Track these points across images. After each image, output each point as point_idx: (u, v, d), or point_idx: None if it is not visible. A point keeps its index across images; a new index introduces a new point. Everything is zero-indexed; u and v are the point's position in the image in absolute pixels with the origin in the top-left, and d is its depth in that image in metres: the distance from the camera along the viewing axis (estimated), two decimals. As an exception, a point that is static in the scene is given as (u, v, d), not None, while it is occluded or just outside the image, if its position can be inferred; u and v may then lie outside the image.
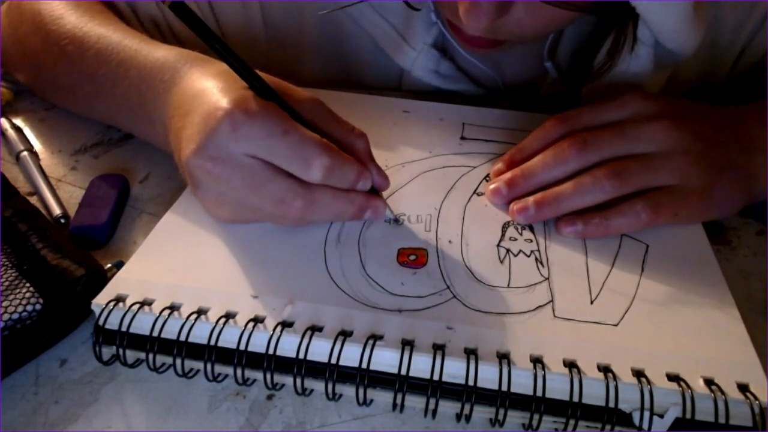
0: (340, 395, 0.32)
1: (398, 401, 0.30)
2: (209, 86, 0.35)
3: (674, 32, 0.43)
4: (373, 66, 0.58)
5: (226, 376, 0.33)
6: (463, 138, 0.48)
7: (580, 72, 0.52)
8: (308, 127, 0.35)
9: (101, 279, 0.35)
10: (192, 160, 0.34)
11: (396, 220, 0.39)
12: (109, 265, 0.37)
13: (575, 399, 0.29)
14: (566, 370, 0.30)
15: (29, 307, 0.32)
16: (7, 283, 0.33)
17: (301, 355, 0.30)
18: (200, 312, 0.32)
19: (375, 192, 0.39)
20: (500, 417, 0.30)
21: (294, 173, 0.34)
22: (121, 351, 0.32)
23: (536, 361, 0.30)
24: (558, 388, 0.30)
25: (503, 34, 0.43)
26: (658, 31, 0.43)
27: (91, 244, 0.40)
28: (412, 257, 0.37)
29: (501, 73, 0.57)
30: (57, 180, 0.47)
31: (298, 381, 0.31)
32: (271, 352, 0.31)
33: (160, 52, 0.41)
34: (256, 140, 0.33)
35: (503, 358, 0.30)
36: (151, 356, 0.32)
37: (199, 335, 0.31)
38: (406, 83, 0.57)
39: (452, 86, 0.56)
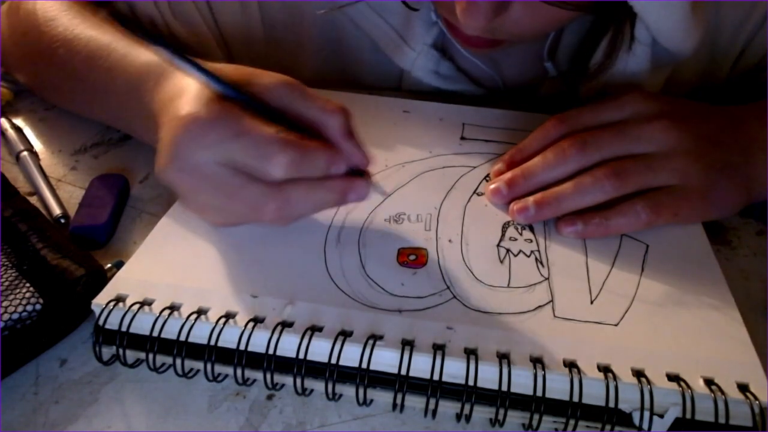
0: (340, 395, 0.32)
1: (398, 401, 0.30)
2: (179, 93, 0.35)
3: (672, 31, 0.43)
4: (372, 66, 0.58)
5: (226, 376, 0.33)
6: (463, 138, 0.48)
7: (579, 71, 0.52)
8: (279, 116, 0.34)
9: (101, 279, 0.35)
10: (164, 174, 0.33)
11: (383, 192, 0.39)
12: (109, 265, 0.37)
13: (575, 399, 0.29)
14: (566, 370, 0.30)
15: (29, 307, 0.32)
16: (7, 283, 0.33)
17: (301, 355, 0.30)
18: (200, 312, 0.32)
19: (359, 173, 0.37)
20: (500, 417, 0.30)
21: (257, 174, 0.33)
22: (121, 351, 0.32)
23: (536, 361, 0.30)
24: (558, 388, 0.30)
25: (501, 34, 0.43)
26: (656, 30, 0.43)
27: (91, 244, 0.40)
28: (412, 257, 0.37)
29: (501, 73, 0.57)
30: (57, 180, 0.47)
31: (298, 381, 0.31)
32: (271, 352, 0.31)
33: (145, 57, 0.40)
34: (213, 146, 0.32)
35: (503, 358, 0.30)
36: (151, 356, 0.32)
37: (199, 335, 0.31)
38: (406, 83, 0.57)
39: (452, 86, 0.56)
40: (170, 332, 0.31)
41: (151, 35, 0.32)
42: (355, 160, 0.36)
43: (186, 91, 0.34)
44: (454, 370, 0.30)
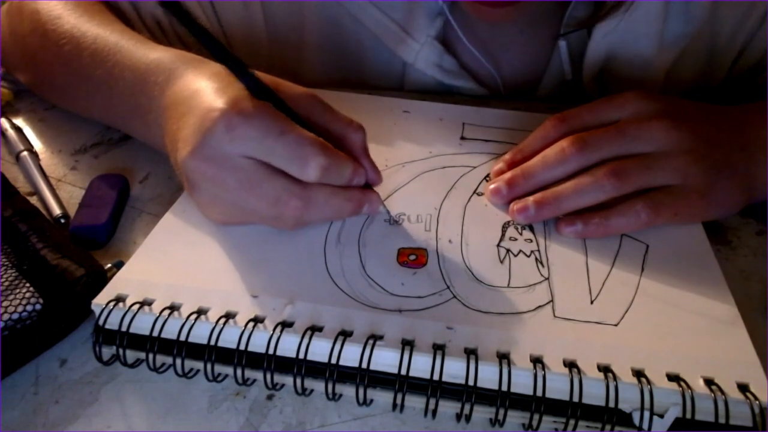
0: (340, 395, 0.32)
1: (398, 401, 0.30)
2: (204, 87, 0.35)
3: None
4: (375, 64, 0.58)
5: (226, 376, 0.33)
6: (463, 138, 0.48)
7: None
8: (304, 124, 0.35)
9: (101, 279, 0.35)
10: (187, 161, 0.34)
11: (390, 218, 0.39)
12: (109, 265, 0.37)
13: (575, 399, 0.29)
14: (566, 370, 0.30)
15: (29, 307, 0.32)
16: (7, 283, 0.33)
17: (301, 355, 0.30)
18: (200, 312, 0.32)
19: (368, 186, 0.39)
20: (500, 417, 0.30)
21: (291, 173, 0.34)
22: (121, 351, 0.32)
23: (536, 361, 0.30)
24: (558, 388, 0.30)
25: None
26: None
27: (91, 244, 0.40)
28: (412, 257, 0.37)
29: (500, 71, 0.57)
30: (57, 180, 0.47)
31: (298, 381, 0.31)
32: (271, 352, 0.31)
33: (154, 54, 0.41)
34: (252, 141, 0.33)
35: (503, 358, 0.30)
36: (151, 356, 0.32)
37: (199, 335, 0.31)
38: (409, 80, 0.57)
39: (454, 82, 0.56)
40: (170, 332, 0.31)
41: (197, 27, 0.33)
42: (371, 176, 0.39)
43: (212, 85, 0.35)
44: (454, 370, 0.30)
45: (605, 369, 0.30)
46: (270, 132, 0.33)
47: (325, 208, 0.36)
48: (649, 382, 0.29)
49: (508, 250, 0.38)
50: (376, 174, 0.39)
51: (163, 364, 0.32)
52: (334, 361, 0.30)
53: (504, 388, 0.30)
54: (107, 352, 0.32)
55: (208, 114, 0.33)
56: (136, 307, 0.32)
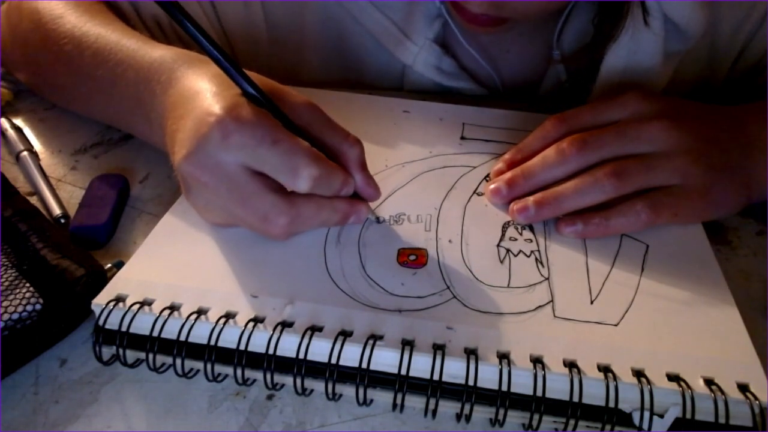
0: (340, 395, 0.32)
1: (398, 401, 0.30)
2: (203, 89, 0.35)
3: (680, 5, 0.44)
4: (375, 64, 0.58)
5: (226, 376, 0.33)
6: (463, 138, 0.48)
7: (583, 62, 0.52)
8: (302, 133, 0.35)
9: (101, 279, 0.35)
10: (182, 166, 0.34)
11: (379, 219, 0.39)
12: (109, 265, 0.37)
13: (575, 399, 0.29)
14: (566, 370, 0.30)
15: (29, 307, 0.32)
16: (7, 283, 0.33)
17: (301, 355, 0.30)
18: (200, 312, 0.32)
19: (358, 195, 0.39)
20: (500, 417, 0.30)
21: (282, 182, 0.34)
22: (121, 351, 0.32)
23: (536, 361, 0.30)
24: (558, 388, 0.30)
25: (507, 11, 0.43)
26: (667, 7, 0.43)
27: (91, 244, 0.40)
28: (412, 257, 0.37)
29: (499, 72, 0.57)
30: (57, 180, 0.47)
31: (298, 381, 0.31)
32: (271, 352, 0.31)
33: (157, 52, 0.41)
34: (245, 148, 0.33)
35: (503, 358, 0.30)
36: (151, 356, 0.32)
37: (199, 335, 0.31)
38: (408, 81, 0.57)
39: (454, 83, 0.56)
40: (170, 332, 0.31)
41: (197, 28, 0.33)
42: (368, 192, 0.38)
43: (211, 88, 0.35)
44: (454, 370, 0.30)
45: (605, 369, 0.30)
46: (264, 140, 0.33)
47: (312, 221, 0.36)
48: (649, 382, 0.29)
49: (508, 250, 0.38)
50: (372, 189, 0.38)
51: (163, 364, 0.32)
52: (334, 361, 0.30)
53: (504, 388, 0.30)
54: (107, 352, 0.32)
55: (204, 119, 0.33)
56: (136, 307, 0.32)
